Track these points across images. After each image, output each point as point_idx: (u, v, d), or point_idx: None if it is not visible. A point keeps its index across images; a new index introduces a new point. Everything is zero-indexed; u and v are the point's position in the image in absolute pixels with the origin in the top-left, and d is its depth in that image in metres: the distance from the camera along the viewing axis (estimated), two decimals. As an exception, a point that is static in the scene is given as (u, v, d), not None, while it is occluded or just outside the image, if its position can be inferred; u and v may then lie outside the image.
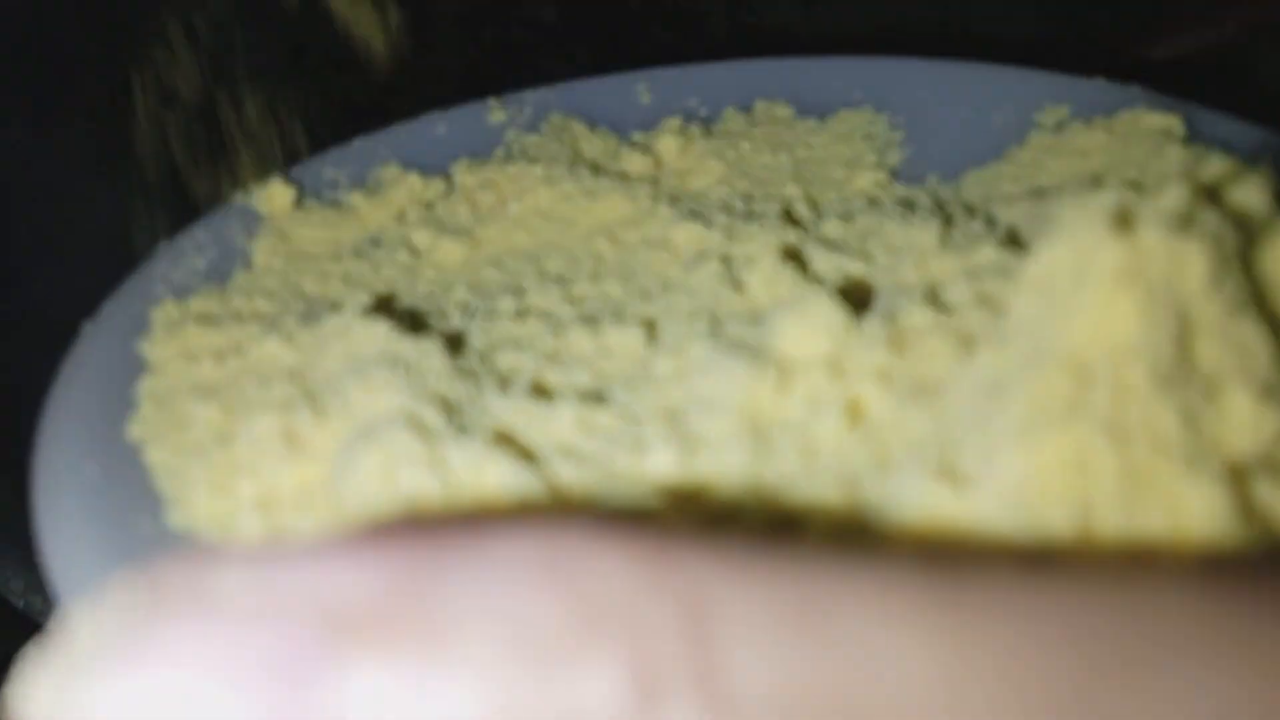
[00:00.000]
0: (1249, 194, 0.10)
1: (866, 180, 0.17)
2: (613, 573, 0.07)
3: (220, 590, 0.07)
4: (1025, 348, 0.10)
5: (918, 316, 0.12)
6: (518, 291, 0.15)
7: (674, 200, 0.16)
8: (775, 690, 0.07)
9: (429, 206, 0.17)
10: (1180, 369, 0.09)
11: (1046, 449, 0.09)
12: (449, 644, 0.07)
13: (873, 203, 0.16)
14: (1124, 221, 0.09)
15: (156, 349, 0.14)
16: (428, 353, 0.13)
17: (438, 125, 0.18)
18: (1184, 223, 0.09)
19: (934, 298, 0.12)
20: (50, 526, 0.12)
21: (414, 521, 0.07)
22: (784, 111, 0.18)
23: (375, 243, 0.16)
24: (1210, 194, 0.10)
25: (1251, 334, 0.09)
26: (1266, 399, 0.09)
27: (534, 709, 0.06)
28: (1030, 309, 0.10)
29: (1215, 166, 0.10)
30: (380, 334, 0.13)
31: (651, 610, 0.07)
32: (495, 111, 0.19)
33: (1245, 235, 0.10)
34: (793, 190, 0.16)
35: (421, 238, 0.16)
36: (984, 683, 0.07)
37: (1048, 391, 0.09)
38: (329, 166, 0.17)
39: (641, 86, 0.19)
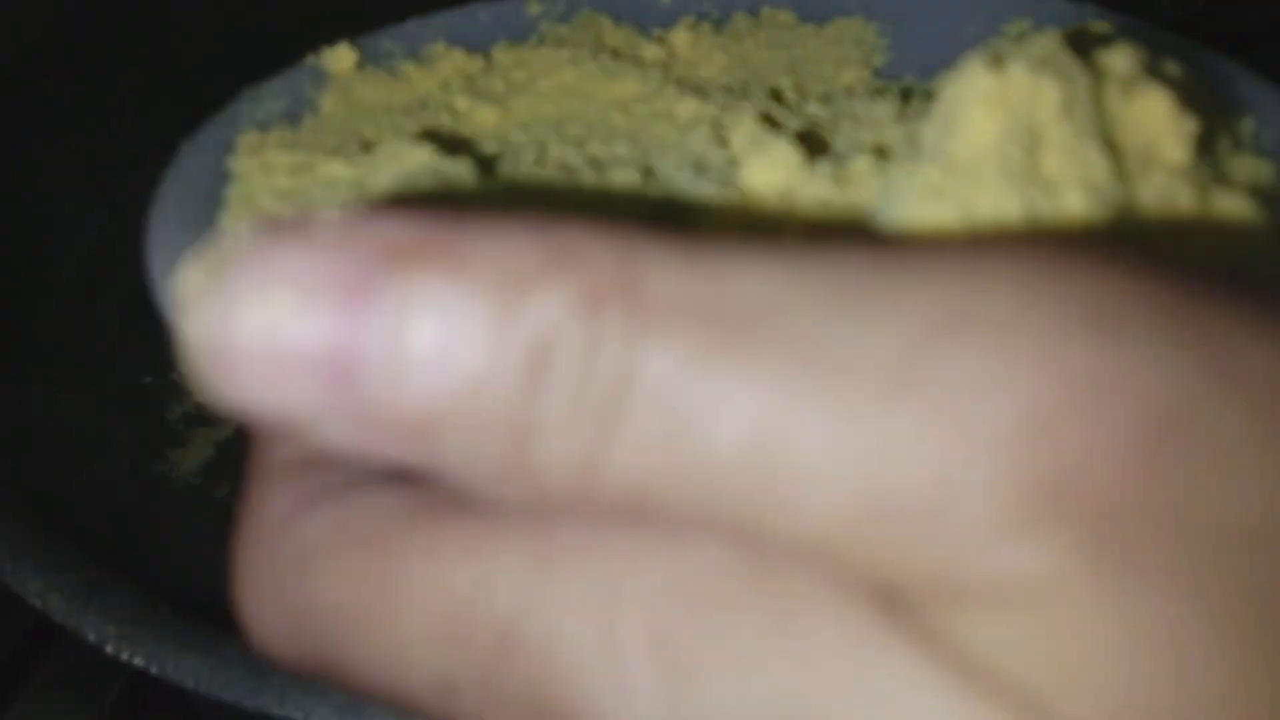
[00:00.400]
0: (1116, 57, 0.13)
1: (851, 76, 0.20)
2: (579, 238, 0.10)
3: (314, 231, 0.11)
4: (919, 158, 0.13)
5: (862, 163, 0.15)
6: (540, 147, 0.18)
7: (681, 83, 0.19)
8: (678, 302, 0.10)
9: (470, 79, 0.20)
10: (1028, 172, 0.12)
11: (911, 224, 0.12)
12: (464, 268, 0.10)
13: (850, 91, 0.19)
14: (997, 61, 0.12)
15: (241, 163, 0.18)
16: (462, 171, 0.16)
17: (482, 13, 0.22)
18: (1045, 63, 0.12)
19: (880, 152, 0.15)
20: (160, 279, 0.16)
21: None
22: (786, 17, 0.21)
23: (422, 104, 0.20)
24: (1081, 50, 0.13)
25: (1093, 154, 0.12)
26: (1098, 201, 0.12)
27: (517, 316, 0.10)
28: (930, 133, 0.13)
29: (1095, 29, 0.13)
30: (425, 154, 0.16)
31: (599, 255, 0.10)
32: (532, 5, 0.22)
33: (1103, 84, 0.13)
34: (785, 80, 0.20)
35: (461, 102, 0.19)
36: (808, 287, 0.10)
37: (923, 182, 0.12)
38: (386, 40, 0.21)
39: None
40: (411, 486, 0.13)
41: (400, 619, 0.12)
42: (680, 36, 0.21)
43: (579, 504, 0.11)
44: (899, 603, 0.10)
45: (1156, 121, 0.13)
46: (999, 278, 0.10)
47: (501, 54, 0.21)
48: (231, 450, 0.49)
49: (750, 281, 0.10)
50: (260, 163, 0.18)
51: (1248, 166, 0.14)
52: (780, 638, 0.10)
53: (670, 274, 0.10)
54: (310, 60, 0.20)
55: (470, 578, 0.11)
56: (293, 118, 0.19)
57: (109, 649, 0.30)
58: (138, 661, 0.29)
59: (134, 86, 0.49)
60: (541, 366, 0.10)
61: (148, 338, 0.50)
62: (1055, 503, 0.09)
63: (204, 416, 0.50)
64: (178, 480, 0.48)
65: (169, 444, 0.49)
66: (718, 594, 0.10)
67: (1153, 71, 0.13)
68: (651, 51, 0.21)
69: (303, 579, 0.13)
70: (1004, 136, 0.12)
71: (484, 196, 0.16)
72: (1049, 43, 0.12)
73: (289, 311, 0.10)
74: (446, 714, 0.12)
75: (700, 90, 0.19)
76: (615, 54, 0.20)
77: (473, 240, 0.10)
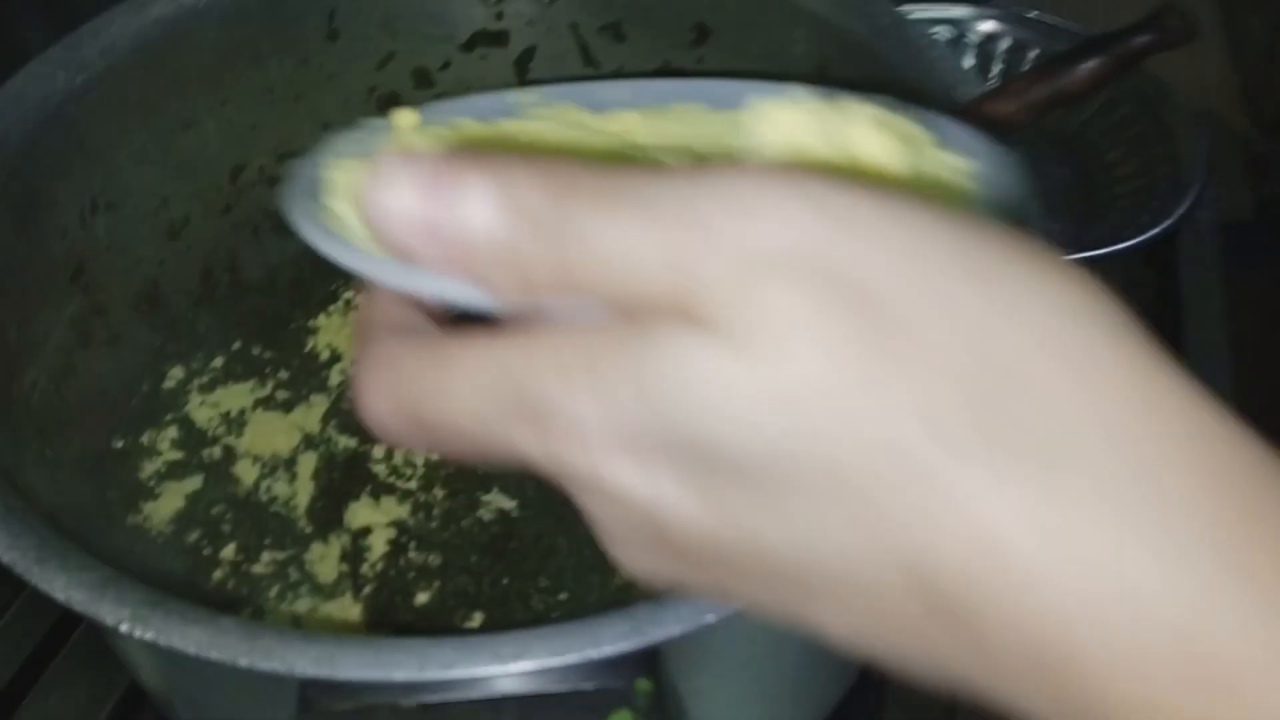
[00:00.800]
0: (856, 104, 0.23)
1: (736, 142, 0.29)
2: (552, 163, 0.21)
3: (419, 157, 0.21)
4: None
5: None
6: None
7: (628, 144, 0.28)
8: (594, 188, 0.21)
9: (484, 138, 0.29)
10: (795, 149, 0.22)
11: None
12: (499, 175, 0.21)
13: (734, 153, 0.28)
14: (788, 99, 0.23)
15: (331, 174, 0.27)
16: None
17: (483, 101, 0.30)
18: (809, 101, 0.23)
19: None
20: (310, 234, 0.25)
21: None
22: (700, 107, 0.30)
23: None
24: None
25: (817, 142, 0.23)
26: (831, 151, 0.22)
27: (521, 200, 0.21)
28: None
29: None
30: None
31: (562, 170, 0.21)
32: (526, 94, 0.31)
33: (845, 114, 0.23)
34: (693, 143, 0.29)
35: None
36: (650, 179, 0.21)
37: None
38: (426, 112, 0.29)
39: (622, 87, 0.31)
40: (454, 327, 0.24)
41: (459, 387, 0.22)
42: (629, 118, 0.30)
43: (552, 296, 0.21)
44: (696, 317, 0.19)
45: (874, 133, 0.23)
46: (745, 173, 0.20)
47: (505, 124, 0.29)
48: (199, 501, 0.55)
49: (625, 180, 0.20)
50: (341, 176, 0.27)
51: (939, 158, 0.24)
52: (644, 346, 0.20)
53: (591, 179, 0.21)
54: (381, 119, 0.29)
55: (494, 357, 0.22)
56: (362, 153, 0.28)
57: (123, 629, 0.35)
58: (148, 637, 0.34)
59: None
60: (533, 225, 0.21)
61: (118, 409, 0.56)
62: (749, 258, 0.19)
63: (172, 473, 0.56)
64: (151, 530, 0.54)
65: (142, 498, 0.55)
66: (614, 330, 0.20)
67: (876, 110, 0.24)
68: (612, 125, 0.29)
69: (401, 378, 0.23)
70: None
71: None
72: (811, 99, 0.24)
73: (408, 193, 0.21)
74: (488, 445, 0.23)
75: (640, 148, 0.28)
76: (582, 126, 0.29)
77: (500, 161, 0.21)
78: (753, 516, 0.20)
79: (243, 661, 0.33)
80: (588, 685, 0.34)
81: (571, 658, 0.33)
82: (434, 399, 0.23)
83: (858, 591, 0.20)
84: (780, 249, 0.19)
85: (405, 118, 0.29)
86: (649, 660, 0.34)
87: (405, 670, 0.33)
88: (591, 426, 0.21)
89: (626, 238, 0.20)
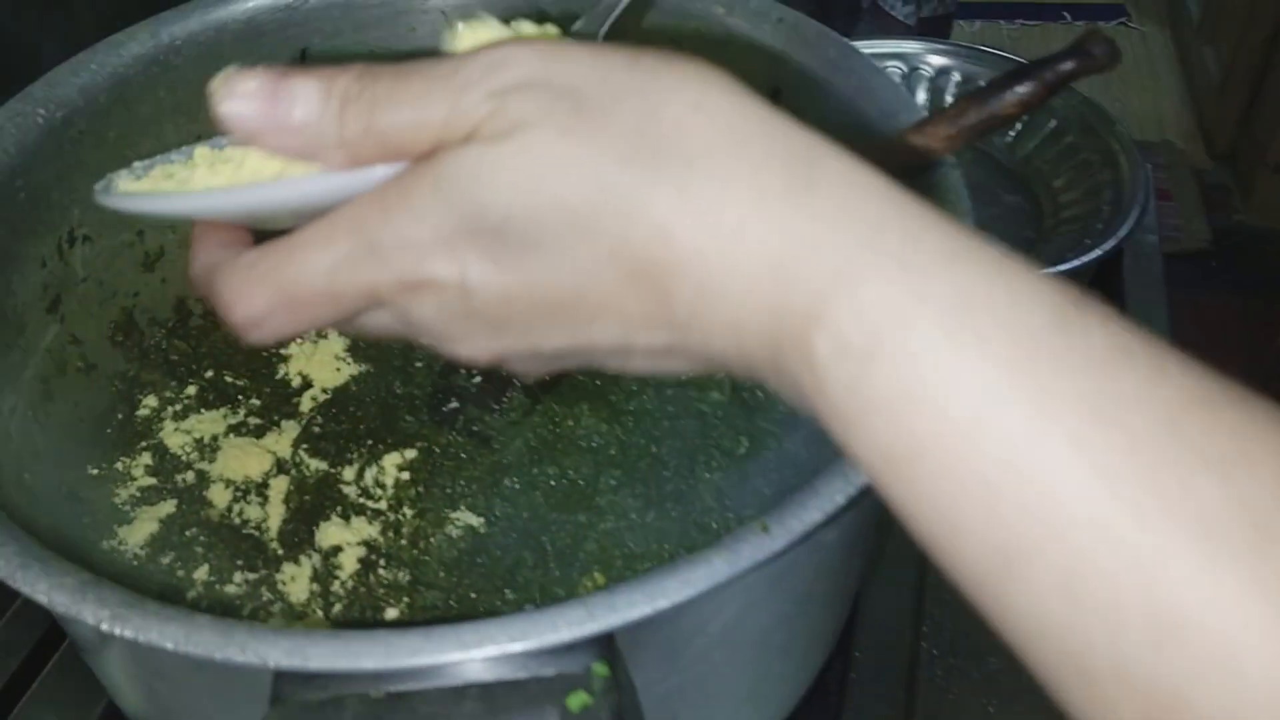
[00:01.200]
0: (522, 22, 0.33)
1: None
2: (355, 67, 0.30)
3: (258, 74, 0.29)
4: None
5: None
6: None
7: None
8: (390, 76, 0.30)
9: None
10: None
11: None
12: (322, 79, 0.30)
13: None
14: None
15: (119, 180, 0.35)
16: None
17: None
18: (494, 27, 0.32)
19: None
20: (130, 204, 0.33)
21: None
22: None
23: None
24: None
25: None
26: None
27: (336, 91, 0.31)
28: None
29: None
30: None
31: (368, 69, 0.30)
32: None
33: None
34: None
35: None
36: (430, 66, 0.31)
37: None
38: (135, 169, 0.37)
39: None
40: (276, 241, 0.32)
41: (315, 255, 0.30)
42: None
43: (374, 160, 0.30)
44: (472, 136, 0.29)
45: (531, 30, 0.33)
46: (486, 49, 0.30)
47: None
48: (173, 525, 0.58)
49: (410, 65, 0.30)
50: (124, 181, 0.35)
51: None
52: (440, 167, 0.29)
53: (387, 68, 0.30)
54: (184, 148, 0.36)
55: (335, 224, 0.30)
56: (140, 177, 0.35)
57: (104, 627, 0.36)
58: (128, 634, 0.36)
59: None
60: (348, 101, 0.30)
61: (94, 436, 0.59)
62: (500, 89, 0.29)
63: (146, 498, 0.59)
64: (126, 553, 0.57)
65: (117, 523, 0.58)
66: (415, 168, 0.30)
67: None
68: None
69: (266, 273, 0.31)
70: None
71: None
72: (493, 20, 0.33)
73: (254, 99, 0.30)
74: (348, 294, 0.31)
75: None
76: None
77: (318, 71, 0.30)
78: (531, 268, 0.29)
79: (218, 655, 0.35)
80: (547, 670, 0.37)
81: (530, 643, 0.36)
82: (298, 273, 0.31)
83: (605, 301, 0.29)
84: (517, 80, 0.29)
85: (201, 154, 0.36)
86: (604, 645, 0.37)
87: (373, 659, 0.35)
88: (413, 239, 0.29)
89: (418, 100, 0.29)
